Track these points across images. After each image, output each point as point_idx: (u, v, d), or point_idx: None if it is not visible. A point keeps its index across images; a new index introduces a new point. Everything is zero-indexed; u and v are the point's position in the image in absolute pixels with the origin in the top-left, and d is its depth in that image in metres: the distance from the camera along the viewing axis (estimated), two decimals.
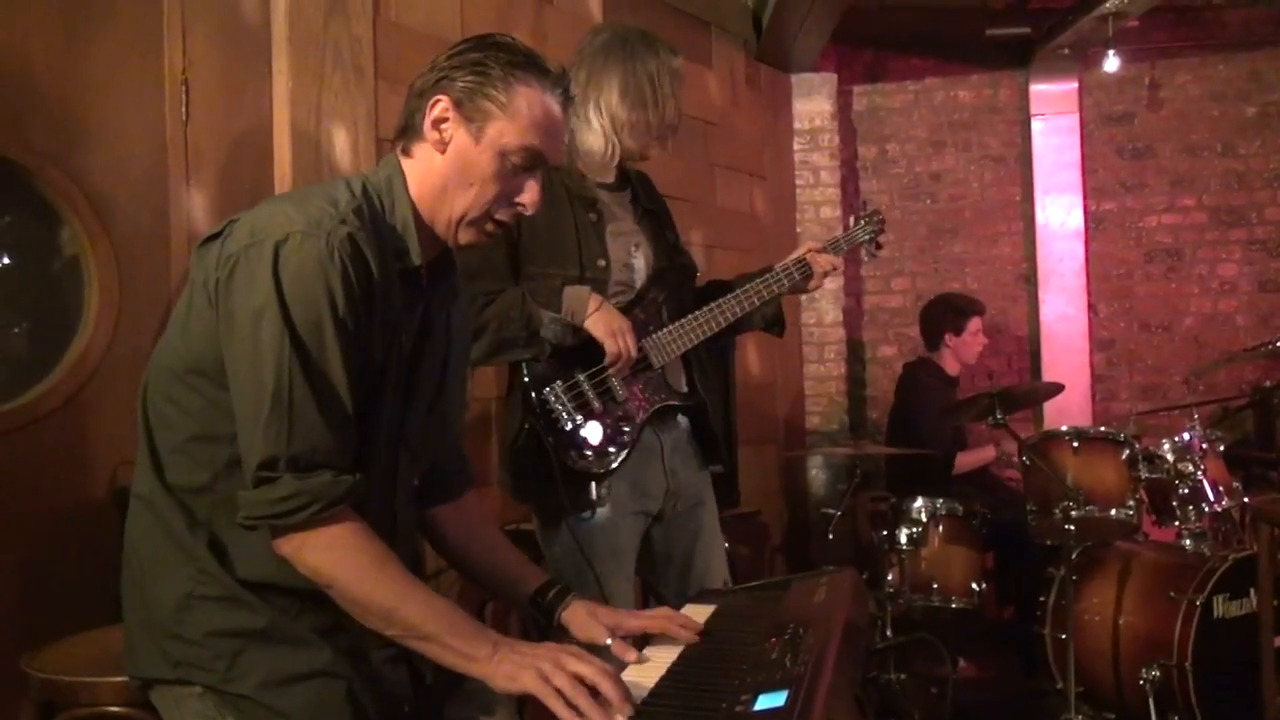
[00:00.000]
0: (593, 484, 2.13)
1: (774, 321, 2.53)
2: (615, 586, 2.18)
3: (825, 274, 2.41)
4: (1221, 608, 3.32)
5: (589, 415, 2.15)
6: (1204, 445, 3.74)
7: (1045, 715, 3.44)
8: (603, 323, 2.13)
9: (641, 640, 1.52)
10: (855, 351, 5.27)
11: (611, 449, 2.17)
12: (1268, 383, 4.76)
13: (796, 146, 5.07)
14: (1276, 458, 4.65)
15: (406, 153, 1.47)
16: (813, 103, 5.08)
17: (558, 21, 3.56)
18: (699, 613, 1.69)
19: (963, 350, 4.39)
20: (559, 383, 2.15)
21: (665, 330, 2.25)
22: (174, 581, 1.36)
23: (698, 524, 2.36)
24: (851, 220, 2.61)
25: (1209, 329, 5.19)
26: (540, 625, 1.59)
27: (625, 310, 2.21)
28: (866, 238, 2.57)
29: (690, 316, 2.27)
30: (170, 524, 1.38)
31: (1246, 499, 3.82)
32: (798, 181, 5.06)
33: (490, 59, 1.42)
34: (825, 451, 4.60)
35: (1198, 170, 5.22)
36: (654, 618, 1.55)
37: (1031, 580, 3.73)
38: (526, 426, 2.15)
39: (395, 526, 1.48)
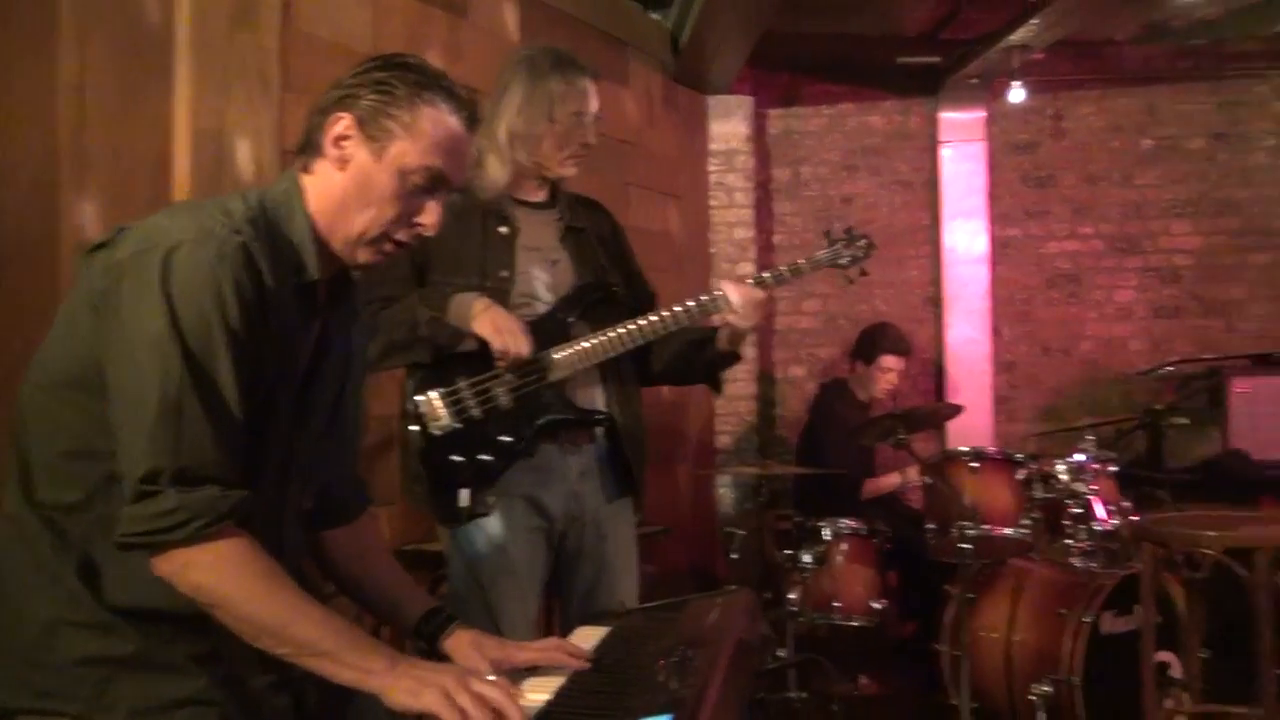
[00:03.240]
0: (463, 492, 2.08)
1: (715, 381, 2.49)
2: (508, 607, 2.17)
3: (750, 307, 2.27)
4: (1109, 624, 3.43)
5: (467, 422, 2.14)
6: (1096, 466, 3.87)
7: None
8: (488, 321, 2.11)
9: (529, 673, 1.50)
10: (766, 372, 5.34)
11: (485, 457, 2.14)
12: (1158, 405, 4.94)
13: (712, 167, 5.14)
14: (1163, 477, 4.83)
15: (307, 169, 1.45)
16: (729, 124, 5.15)
17: (472, 38, 3.55)
18: (592, 634, 1.69)
19: (871, 382, 4.49)
20: (439, 388, 2.14)
21: (569, 345, 2.23)
22: (39, 606, 1.31)
23: (603, 559, 2.34)
24: (828, 242, 2.47)
25: (1105, 353, 5.37)
26: (426, 654, 1.58)
27: (532, 323, 2.19)
28: (844, 262, 2.44)
29: (595, 335, 2.24)
30: (37, 545, 1.33)
31: (1135, 517, 3.96)
32: (712, 202, 5.12)
33: (396, 78, 1.42)
34: (734, 471, 4.65)
35: (1097, 199, 5.41)
36: (543, 649, 1.54)
37: (931, 598, 3.81)
38: (406, 430, 2.15)
39: (282, 548, 1.46)
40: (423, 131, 1.41)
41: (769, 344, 5.40)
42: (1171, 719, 3.19)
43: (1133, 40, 5.31)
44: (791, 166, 5.46)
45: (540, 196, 2.34)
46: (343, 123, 1.41)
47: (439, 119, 1.43)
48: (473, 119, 1.49)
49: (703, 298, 2.30)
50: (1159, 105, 5.41)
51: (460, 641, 1.55)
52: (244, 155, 2.71)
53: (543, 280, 2.27)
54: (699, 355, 2.40)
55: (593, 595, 2.31)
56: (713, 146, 5.14)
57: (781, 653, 3.56)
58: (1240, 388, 5.01)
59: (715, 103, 5.13)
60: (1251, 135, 5.39)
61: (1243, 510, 5.21)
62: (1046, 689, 3.35)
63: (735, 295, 2.26)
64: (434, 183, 1.44)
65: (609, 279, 2.34)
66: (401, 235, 1.46)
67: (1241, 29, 5.24)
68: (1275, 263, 5.37)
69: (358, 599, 1.67)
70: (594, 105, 2.29)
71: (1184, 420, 4.93)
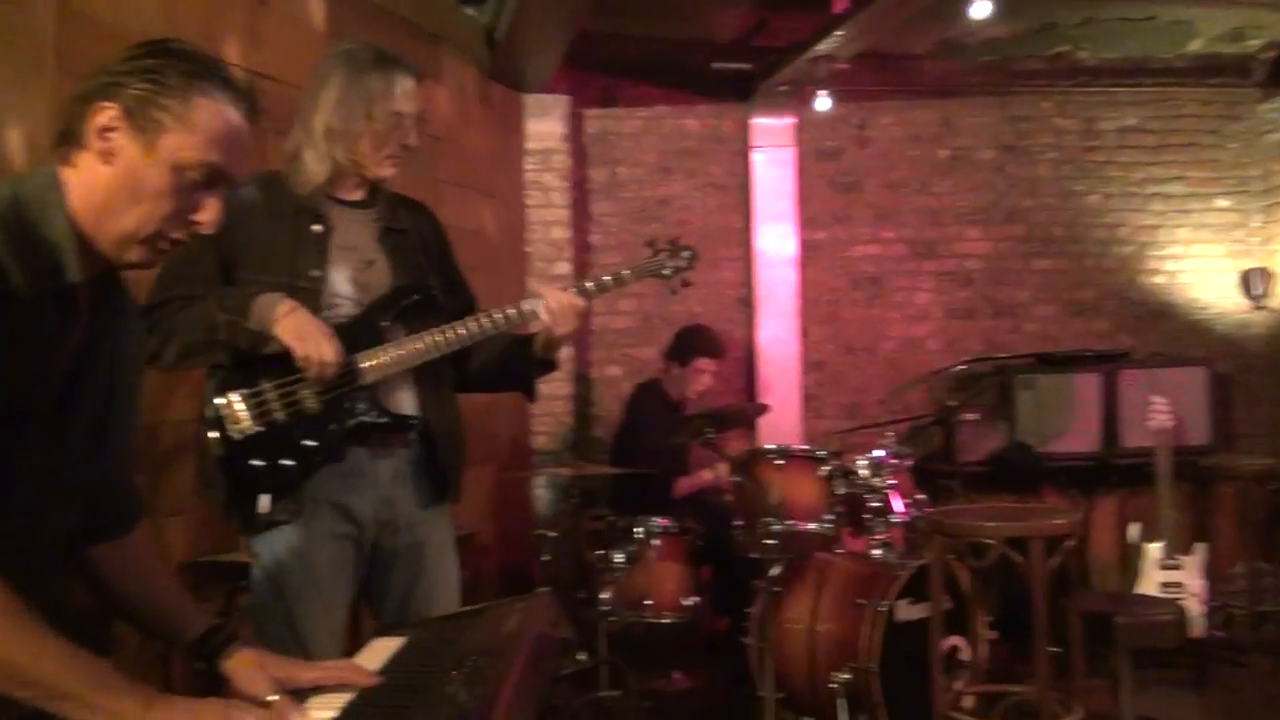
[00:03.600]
0: (263, 498, 2.03)
1: (529, 389, 2.47)
2: (311, 618, 2.10)
3: (568, 315, 2.28)
4: (904, 612, 3.60)
5: (269, 425, 2.07)
6: (894, 461, 4.05)
7: None
8: (291, 326, 2.04)
9: (316, 692, 1.44)
10: (582, 372, 5.37)
11: (288, 461, 2.08)
12: (952, 402, 5.23)
13: (528, 166, 5.11)
14: (957, 470, 5.11)
15: (67, 161, 1.34)
16: (545, 124, 5.14)
17: (274, 25, 3.41)
18: (386, 646, 1.65)
19: (685, 382, 4.58)
20: (241, 390, 2.06)
21: (381, 350, 2.17)
22: None
23: (418, 568, 2.28)
24: (651, 252, 2.48)
25: (905, 352, 5.63)
26: (206, 675, 1.50)
27: (344, 325, 2.13)
28: (667, 272, 2.45)
29: (408, 340, 2.19)
30: None
31: (930, 509, 4.17)
32: (529, 201, 5.10)
33: (167, 66, 1.32)
34: (549, 471, 4.64)
35: (898, 206, 5.67)
36: (329, 668, 1.49)
37: (743, 592, 3.91)
38: (205, 434, 2.06)
39: (44, 573, 1.35)
40: (198, 124, 1.33)
41: (586, 344, 5.42)
42: (959, 700, 3.38)
43: (930, 55, 5.58)
44: (608, 167, 5.50)
45: (359, 195, 2.28)
46: (108, 113, 1.31)
47: (215, 110, 1.35)
48: (253, 109, 1.41)
49: (521, 305, 2.29)
50: (954, 117, 5.72)
51: (242, 661, 1.47)
52: (15, 142, 2.51)
53: (357, 281, 2.21)
54: (514, 362, 2.39)
55: (408, 603, 2.26)
56: (529, 145, 5.11)
57: (582, 656, 3.58)
58: (1024, 385, 5.35)
59: (532, 101, 5.11)
60: (1036, 148, 5.77)
61: (1028, 498, 5.60)
62: (846, 676, 3.48)
63: (554, 302, 2.27)
64: (212, 178, 1.36)
65: (427, 282, 2.29)
66: (177, 234, 1.38)
67: (1026, 49, 5.60)
68: (1056, 268, 5.76)
69: (132, 619, 1.57)
70: (415, 106, 2.24)
71: (974, 416, 5.23)
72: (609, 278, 2.38)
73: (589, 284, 2.36)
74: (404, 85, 2.21)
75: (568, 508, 4.83)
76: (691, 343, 4.53)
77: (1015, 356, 5.57)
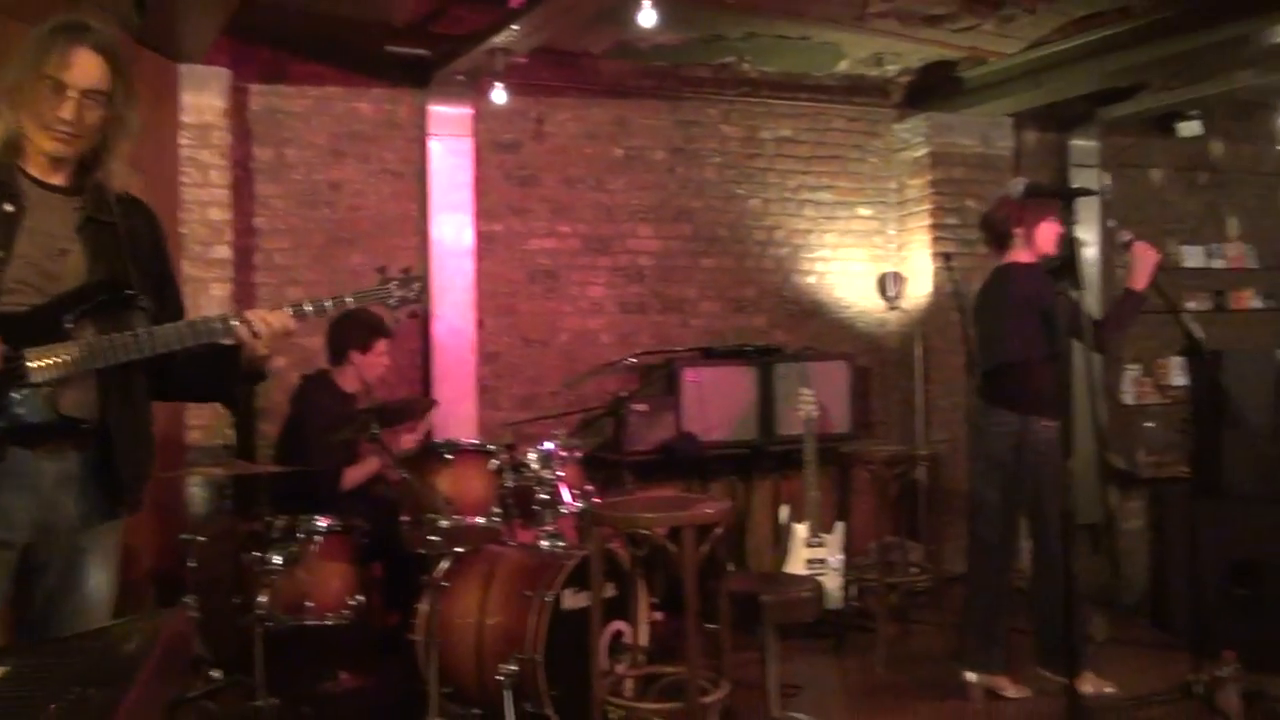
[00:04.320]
0: None
1: (232, 400, 2.39)
2: None
3: (275, 335, 2.22)
4: (571, 600, 3.69)
5: None
6: (564, 453, 4.14)
7: (418, 718, 3.54)
8: None
9: None
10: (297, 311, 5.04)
11: None
12: (624, 394, 5.40)
13: (183, 141, 4.74)
14: (627, 459, 5.30)
15: None
16: (203, 97, 4.79)
17: None
18: None
19: (366, 369, 4.42)
20: None
21: (57, 347, 2.03)
22: None
23: (73, 581, 2.14)
24: (380, 280, 2.45)
25: (579, 344, 5.75)
26: None
27: (19, 315, 2.01)
28: (393, 303, 2.43)
29: (95, 339, 2.07)
30: None
31: (597, 500, 4.29)
32: (184, 179, 4.73)
33: None
34: (201, 471, 4.33)
35: (574, 201, 5.77)
36: None
37: (413, 588, 3.85)
38: None
39: None
40: None
41: None
42: (622, 682, 3.50)
43: (606, 55, 5.72)
44: (275, 147, 5.21)
45: (61, 180, 2.15)
46: None
47: None
48: None
49: (227, 319, 2.20)
50: (628, 118, 5.89)
51: None
52: None
53: (43, 269, 2.07)
54: (217, 371, 2.30)
55: (52, 617, 2.13)
56: (184, 119, 4.74)
57: (216, 674, 3.41)
58: (691, 377, 5.62)
59: (187, 72, 4.74)
60: (703, 153, 6.06)
61: (694, 484, 5.89)
62: (513, 668, 3.52)
63: (261, 324, 2.19)
64: None
65: (127, 281, 2.15)
66: None
67: (695, 57, 5.87)
68: (720, 267, 6.09)
69: None
70: (86, 81, 2.08)
71: (644, 407, 5.44)
72: (329, 302, 2.34)
73: (308, 306, 2.30)
74: (78, 55, 2.07)
75: (223, 508, 4.55)
76: (370, 325, 4.34)
77: (682, 350, 5.84)
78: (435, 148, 5.40)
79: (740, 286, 6.14)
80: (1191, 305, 7.15)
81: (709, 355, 5.81)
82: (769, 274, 6.21)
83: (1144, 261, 3.81)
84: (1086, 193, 3.55)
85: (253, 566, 3.55)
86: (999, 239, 4.19)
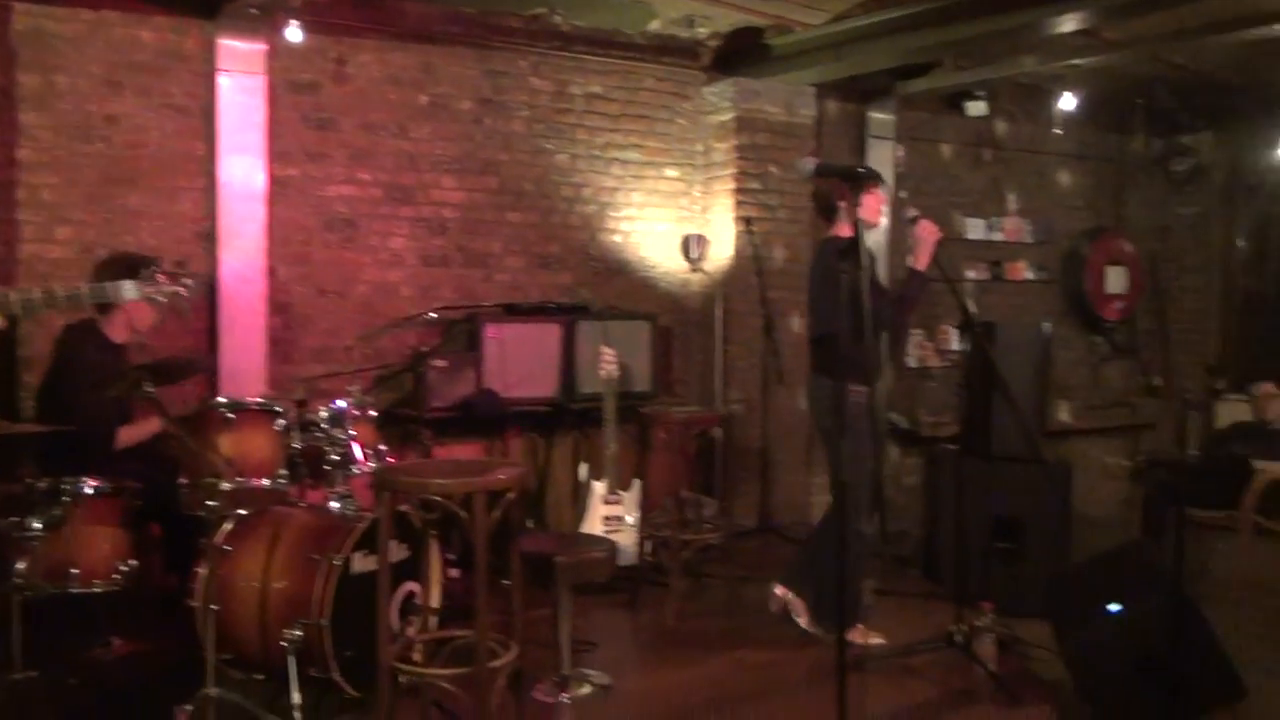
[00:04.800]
0: None
1: None
2: None
3: None
4: (361, 563, 3.60)
5: None
6: (356, 412, 4.01)
7: (197, 685, 3.39)
8: None
9: None
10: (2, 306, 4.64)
11: None
12: (424, 348, 5.29)
13: None
14: (427, 416, 5.21)
15: None
16: None
17: None
18: None
19: (137, 317, 4.13)
20: None
21: None
22: None
23: None
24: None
25: (378, 297, 5.58)
26: None
27: None
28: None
29: None
30: None
31: (392, 460, 4.20)
32: None
33: None
34: None
35: (375, 148, 5.56)
36: None
37: (194, 551, 3.67)
38: None
39: None
40: None
41: (12, 275, 4.71)
42: (413, 645, 3.45)
43: None
44: (43, 74, 4.77)
45: None
46: None
47: None
48: None
49: None
50: (435, 65, 5.71)
51: None
52: None
53: None
54: None
55: None
56: None
57: None
58: (493, 334, 5.56)
59: None
60: (512, 104, 5.95)
61: (495, 441, 5.86)
62: (297, 633, 3.42)
63: None
64: None
65: None
66: None
67: (507, 6, 5.74)
68: (525, 221, 6.01)
69: None
70: None
71: (444, 363, 5.35)
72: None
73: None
74: None
75: None
76: (135, 267, 4.03)
77: (484, 306, 5.76)
78: (225, 84, 5.07)
79: (546, 243, 6.09)
80: (971, 275, 7.62)
81: (512, 311, 5.76)
82: (575, 231, 6.19)
83: (926, 241, 4.00)
84: (873, 175, 3.70)
85: (10, 532, 3.29)
86: (825, 212, 4.30)
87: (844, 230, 4.15)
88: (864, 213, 4.07)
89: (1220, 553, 6.07)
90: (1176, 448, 8.16)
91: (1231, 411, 7.72)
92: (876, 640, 4.27)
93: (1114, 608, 3.59)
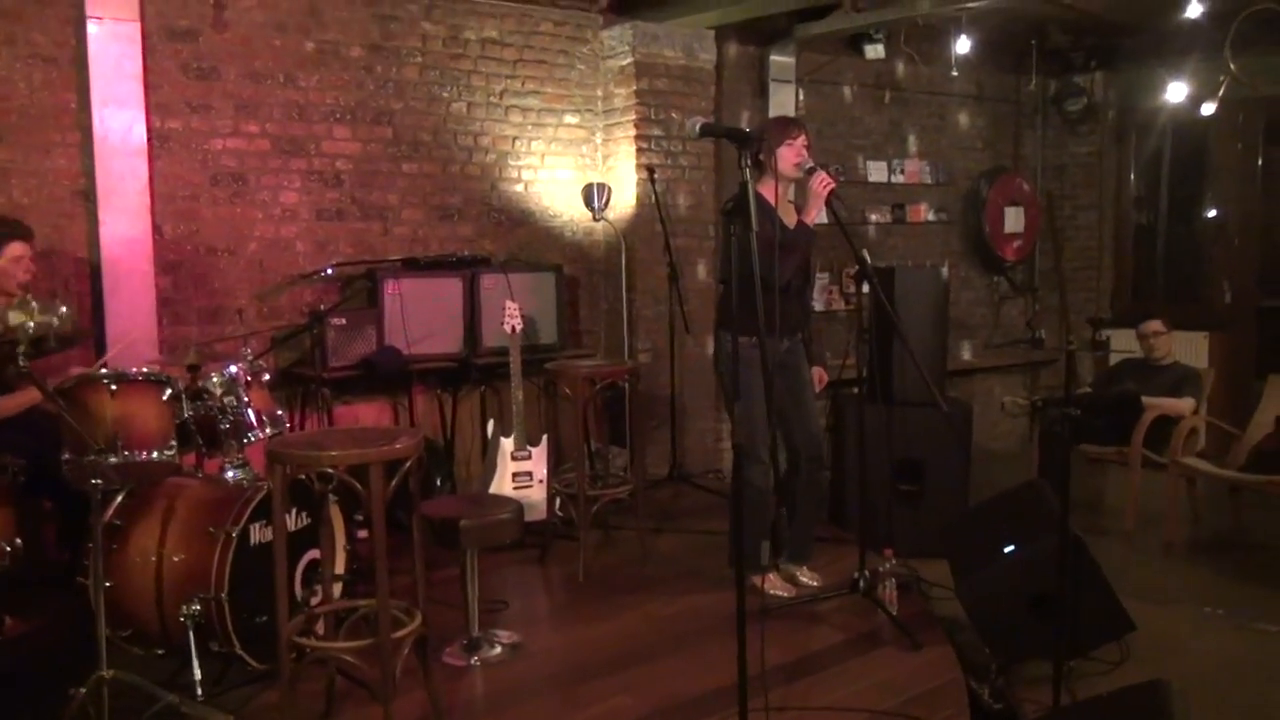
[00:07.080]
0: None
1: None
2: None
3: None
4: (260, 534, 3.51)
5: None
6: (249, 377, 3.89)
7: (92, 665, 3.29)
8: None
9: None
10: None
11: None
12: (322, 306, 5.15)
13: None
14: (328, 375, 5.08)
15: None
16: None
17: None
18: None
19: (3, 279, 3.95)
20: None
21: None
22: None
23: None
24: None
25: (272, 254, 5.40)
26: None
27: None
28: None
29: None
30: None
31: (288, 425, 4.09)
32: None
33: None
34: None
35: (262, 98, 5.34)
36: None
37: (86, 526, 3.53)
38: None
39: None
40: None
41: None
42: (315, 618, 3.39)
43: None
44: None
45: None
46: None
47: None
48: None
49: None
50: (321, 9, 5.48)
51: None
52: None
53: None
54: None
55: None
56: None
57: None
58: (392, 289, 5.43)
59: None
60: (404, 51, 5.76)
61: (399, 398, 5.75)
62: (195, 607, 3.34)
63: None
64: None
65: None
66: None
67: None
68: (422, 172, 5.86)
69: None
70: None
71: (342, 321, 5.22)
72: None
73: None
74: None
75: None
76: None
77: (383, 261, 5.62)
78: (95, 31, 4.80)
79: (445, 194, 5.95)
80: (874, 217, 7.69)
81: (412, 266, 5.63)
82: (475, 181, 6.06)
83: (819, 195, 3.97)
84: (757, 139, 3.63)
85: None
86: (756, 166, 4.23)
87: (763, 184, 4.06)
88: (781, 165, 4.05)
89: (1112, 486, 6.31)
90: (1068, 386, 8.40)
91: (1123, 345, 7.96)
92: (781, 592, 4.33)
93: (1009, 549, 3.69)
